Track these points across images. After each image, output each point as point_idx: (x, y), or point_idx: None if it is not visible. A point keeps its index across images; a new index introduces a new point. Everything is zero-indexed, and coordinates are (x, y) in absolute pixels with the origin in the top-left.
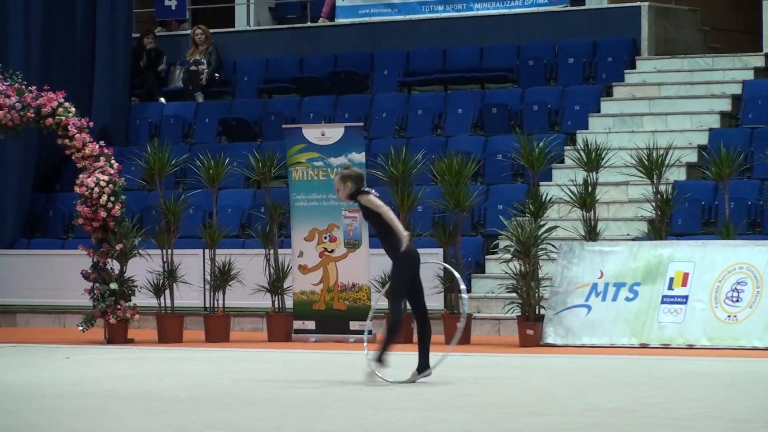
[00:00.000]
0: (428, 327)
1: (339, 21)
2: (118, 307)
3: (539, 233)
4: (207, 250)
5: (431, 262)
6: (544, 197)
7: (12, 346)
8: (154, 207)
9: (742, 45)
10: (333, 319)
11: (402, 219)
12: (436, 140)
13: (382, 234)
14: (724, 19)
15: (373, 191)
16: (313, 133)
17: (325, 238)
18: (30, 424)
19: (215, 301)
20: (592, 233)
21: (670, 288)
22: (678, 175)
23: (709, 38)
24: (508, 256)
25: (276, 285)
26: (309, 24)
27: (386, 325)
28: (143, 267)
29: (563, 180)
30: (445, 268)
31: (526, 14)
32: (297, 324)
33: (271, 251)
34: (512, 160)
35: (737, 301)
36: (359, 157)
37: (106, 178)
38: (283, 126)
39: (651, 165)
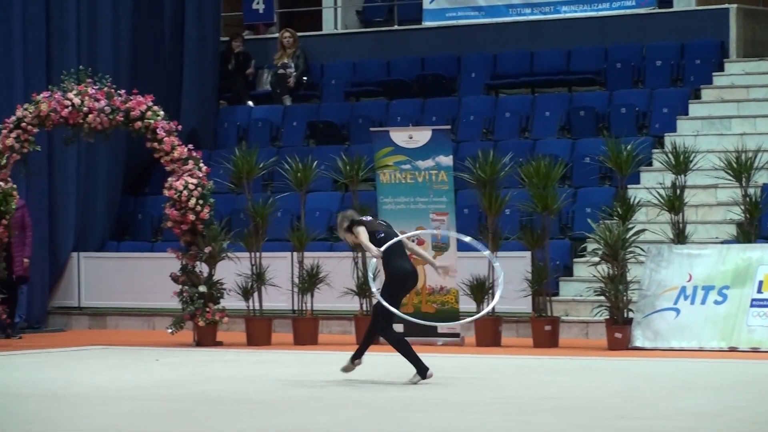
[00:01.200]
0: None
1: (426, 24)
2: (207, 309)
3: (627, 236)
4: (295, 253)
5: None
6: (632, 200)
7: (102, 348)
8: (243, 210)
9: None
10: None
11: (489, 222)
12: (524, 143)
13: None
14: None
15: (368, 218)
16: (400, 136)
17: (413, 240)
18: (118, 426)
19: (303, 304)
20: (680, 236)
21: (759, 291)
22: (767, 177)
23: None
24: (596, 259)
25: (364, 288)
26: (396, 27)
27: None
28: (232, 270)
29: (651, 183)
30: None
31: (613, 17)
32: None
33: (359, 254)
34: (600, 163)
35: None
36: (446, 160)
37: (194, 181)
38: (371, 129)
39: (740, 168)
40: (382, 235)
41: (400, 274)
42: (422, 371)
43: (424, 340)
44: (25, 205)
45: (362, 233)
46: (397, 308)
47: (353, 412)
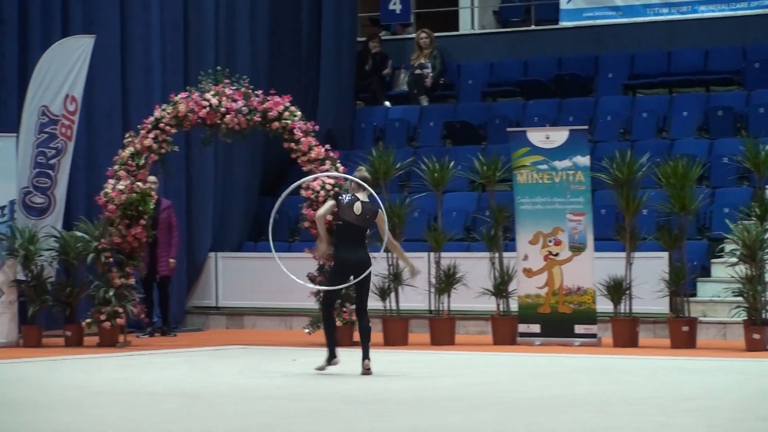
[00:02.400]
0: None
1: (563, 24)
2: (344, 309)
3: (765, 237)
4: (432, 253)
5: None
6: None
7: (239, 348)
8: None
9: None
10: (558, 323)
11: (627, 222)
12: (661, 143)
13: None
14: None
15: (342, 196)
16: (537, 136)
17: (550, 241)
18: (258, 425)
19: (440, 304)
20: None
21: None
22: None
23: None
24: (734, 259)
25: (501, 288)
26: (533, 27)
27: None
28: None
29: None
30: None
31: (751, 16)
32: (522, 327)
33: (496, 254)
34: (738, 163)
35: None
36: (584, 160)
37: (331, 181)
38: (508, 129)
39: None
40: (340, 223)
41: (336, 261)
42: (329, 359)
43: (561, 341)
44: (171, 205)
45: (325, 207)
46: (338, 290)
47: (492, 412)
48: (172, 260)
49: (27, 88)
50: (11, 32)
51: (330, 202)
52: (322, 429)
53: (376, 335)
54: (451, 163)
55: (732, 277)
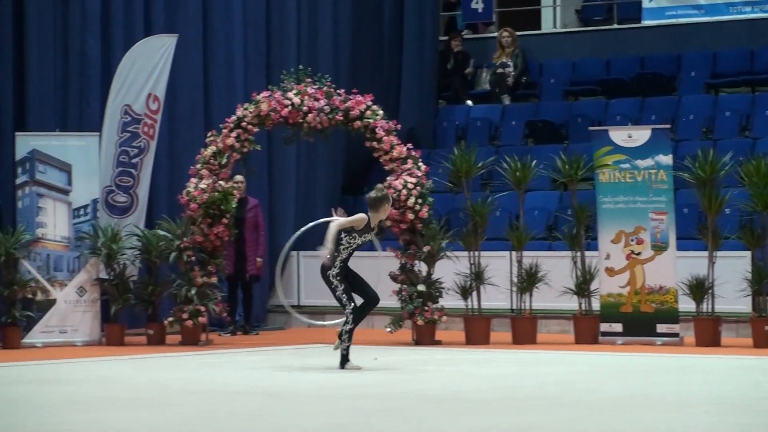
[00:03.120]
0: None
1: (645, 23)
2: (426, 308)
3: None
4: (514, 252)
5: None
6: None
7: (321, 346)
8: (461, 209)
9: None
10: (640, 322)
11: (709, 221)
12: (744, 142)
13: None
14: None
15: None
16: (619, 135)
17: (632, 240)
18: (338, 425)
19: (522, 303)
20: None
21: None
22: None
23: None
24: None
25: (583, 287)
26: (615, 26)
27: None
28: (450, 269)
29: None
30: None
31: None
32: (604, 326)
33: (578, 253)
34: None
35: None
36: (666, 159)
37: (413, 180)
38: (590, 128)
39: None
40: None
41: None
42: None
43: (643, 340)
44: (258, 204)
45: (356, 220)
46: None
47: (572, 411)
48: (259, 259)
49: (110, 87)
50: (94, 31)
51: (361, 216)
52: (402, 428)
53: (458, 334)
54: (533, 162)
55: None
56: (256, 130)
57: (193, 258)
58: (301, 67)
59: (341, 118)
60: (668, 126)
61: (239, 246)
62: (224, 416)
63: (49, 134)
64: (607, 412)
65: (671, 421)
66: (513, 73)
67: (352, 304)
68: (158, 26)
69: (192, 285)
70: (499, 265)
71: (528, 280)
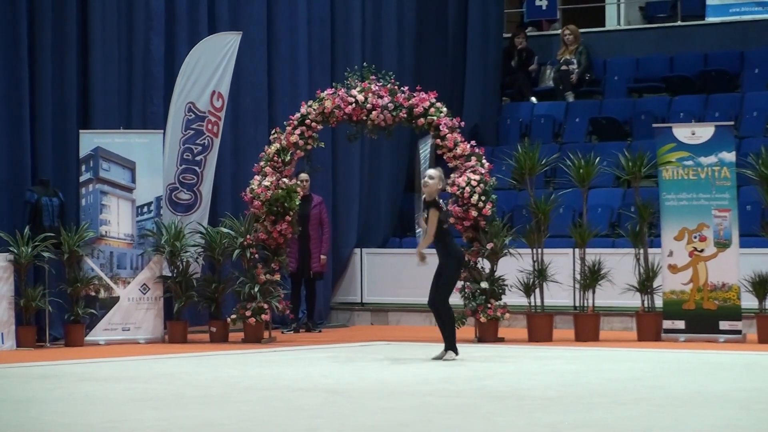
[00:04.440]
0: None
1: (709, 20)
2: (489, 305)
3: None
4: (577, 249)
5: None
6: None
7: (384, 343)
8: (525, 206)
9: None
10: (703, 319)
11: None
12: None
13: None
14: None
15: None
16: (683, 132)
17: (695, 237)
18: (401, 422)
19: (585, 300)
20: None
21: None
22: None
23: None
24: None
25: (646, 284)
26: (679, 23)
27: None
28: (513, 266)
29: None
30: None
31: None
32: (666, 323)
33: (641, 250)
34: None
35: None
36: (729, 156)
37: (477, 177)
38: (653, 125)
39: None
40: (446, 227)
41: (459, 256)
42: (454, 349)
43: (706, 337)
44: (322, 201)
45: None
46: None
47: (635, 408)
48: (323, 256)
49: (174, 84)
50: (158, 29)
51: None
52: (463, 425)
53: (520, 331)
54: (597, 159)
55: None
56: (319, 127)
57: (257, 255)
58: (365, 64)
59: (405, 115)
60: (732, 123)
61: (303, 243)
62: (288, 413)
63: (113, 132)
64: (671, 410)
65: (736, 419)
66: (577, 70)
67: None
68: (222, 24)
69: (255, 282)
70: (562, 262)
71: (591, 277)
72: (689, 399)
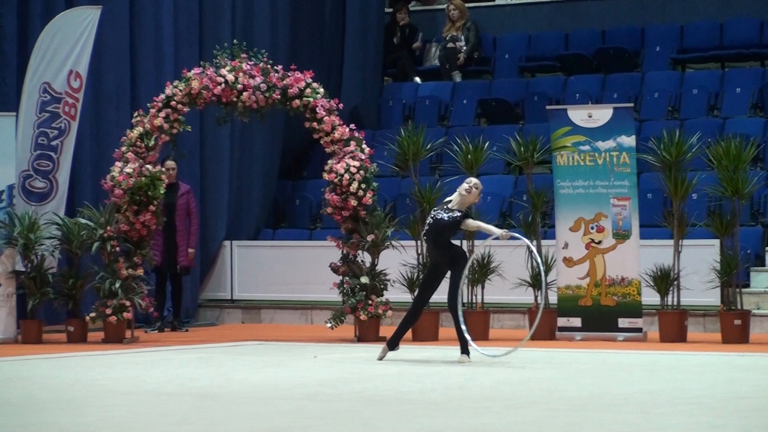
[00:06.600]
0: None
1: None
2: (370, 302)
3: None
4: (465, 242)
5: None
6: None
7: (257, 343)
8: (408, 195)
9: None
10: (600, 316)
11: (675, 207)
12: (712, 122)
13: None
14: None
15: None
16: (579, 114)
17: (592, 228)
18: (274, 428)
19: (474, 296)
20: None
21: None
22: None
23: None
24: None
25: (539, 279)
26: None
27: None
28: (396, 259)
29: None
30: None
31: None
32: (561, 321)
33: (534, 242)
34: None
35: None
36: (629, 140)
37: (356, 163)
38: (547, 107)
39: None
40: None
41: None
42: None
43: (604, 335)
44: (190, 190)
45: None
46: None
47: (529, 412)
48: (191, 249)
49: (27, 63)
50: (11, 3)
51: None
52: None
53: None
54: (486, 144)
55: None
56: (186, 109)
57: (118, 248)
58: (235, 41)
59: (279, 96)
60: (631, 105)
61: (169, 235)
62: (153, 419)
63: None
64: (567, 414)
65: (637, 424)
66: (464, 48)
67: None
68: None
69: (116, 278)
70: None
71: (480, 272)
72: (586, 402)
